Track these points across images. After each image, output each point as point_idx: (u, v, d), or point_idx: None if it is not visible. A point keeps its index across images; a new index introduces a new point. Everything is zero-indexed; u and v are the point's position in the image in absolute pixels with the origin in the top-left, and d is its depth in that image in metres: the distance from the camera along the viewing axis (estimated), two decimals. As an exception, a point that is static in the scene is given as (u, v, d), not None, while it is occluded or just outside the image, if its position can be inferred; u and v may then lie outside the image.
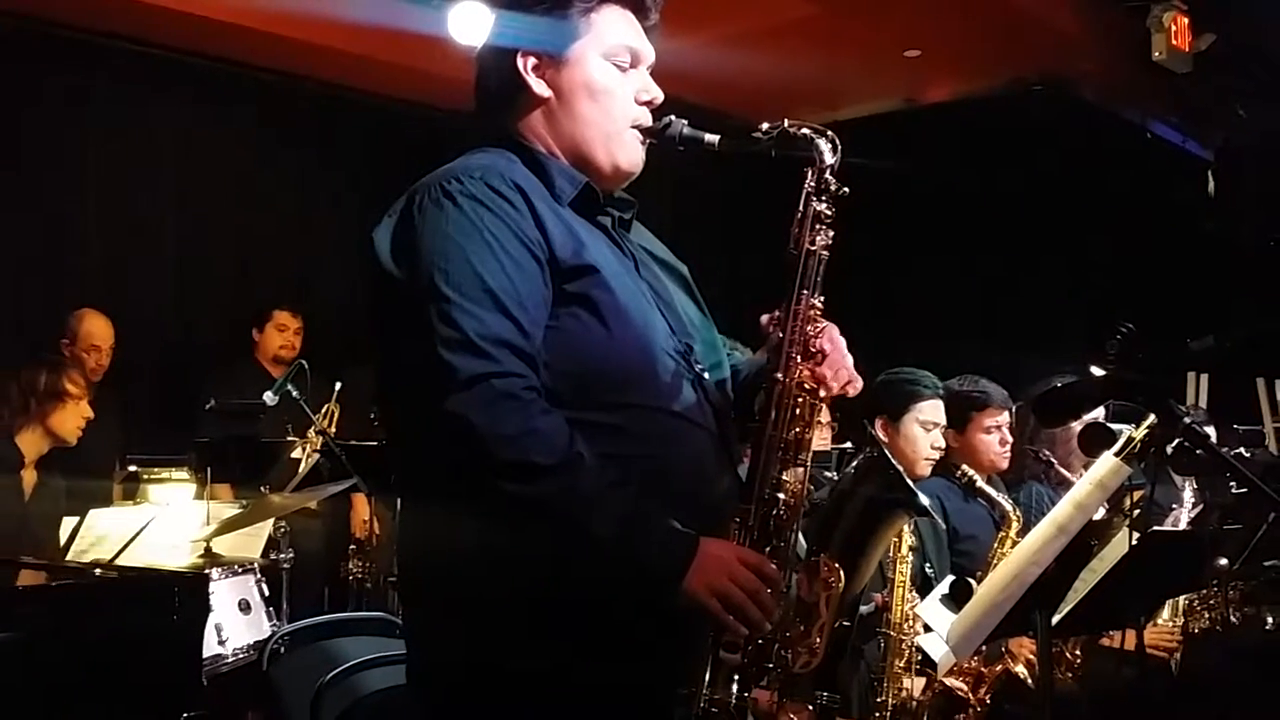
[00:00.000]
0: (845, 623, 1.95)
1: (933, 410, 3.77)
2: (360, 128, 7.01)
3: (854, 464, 2.12)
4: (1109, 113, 7.15)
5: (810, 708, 1.85)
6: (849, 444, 4.86)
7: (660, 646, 1.81)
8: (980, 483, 3.83)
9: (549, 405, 1.79)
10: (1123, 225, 6.89)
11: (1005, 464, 4.05)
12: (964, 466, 3.89)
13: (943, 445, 3.82)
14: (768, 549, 1.87)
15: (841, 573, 1.91)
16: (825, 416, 3.91)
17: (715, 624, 1.78)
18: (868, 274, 6.60)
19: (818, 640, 1.86)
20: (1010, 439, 4.04)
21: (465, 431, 1.73)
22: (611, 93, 2.03)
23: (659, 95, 2.08)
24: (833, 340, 1.96)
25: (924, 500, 2.10)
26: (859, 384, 2.00)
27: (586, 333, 1.88)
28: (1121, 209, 6.88)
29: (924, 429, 3.74)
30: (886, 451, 2.08)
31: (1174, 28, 6.09)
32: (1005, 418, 4.05)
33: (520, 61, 2.03)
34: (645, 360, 1.92)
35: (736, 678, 1.81)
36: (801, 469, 1.90)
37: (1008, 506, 3.78)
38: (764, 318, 2.00)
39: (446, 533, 1.84)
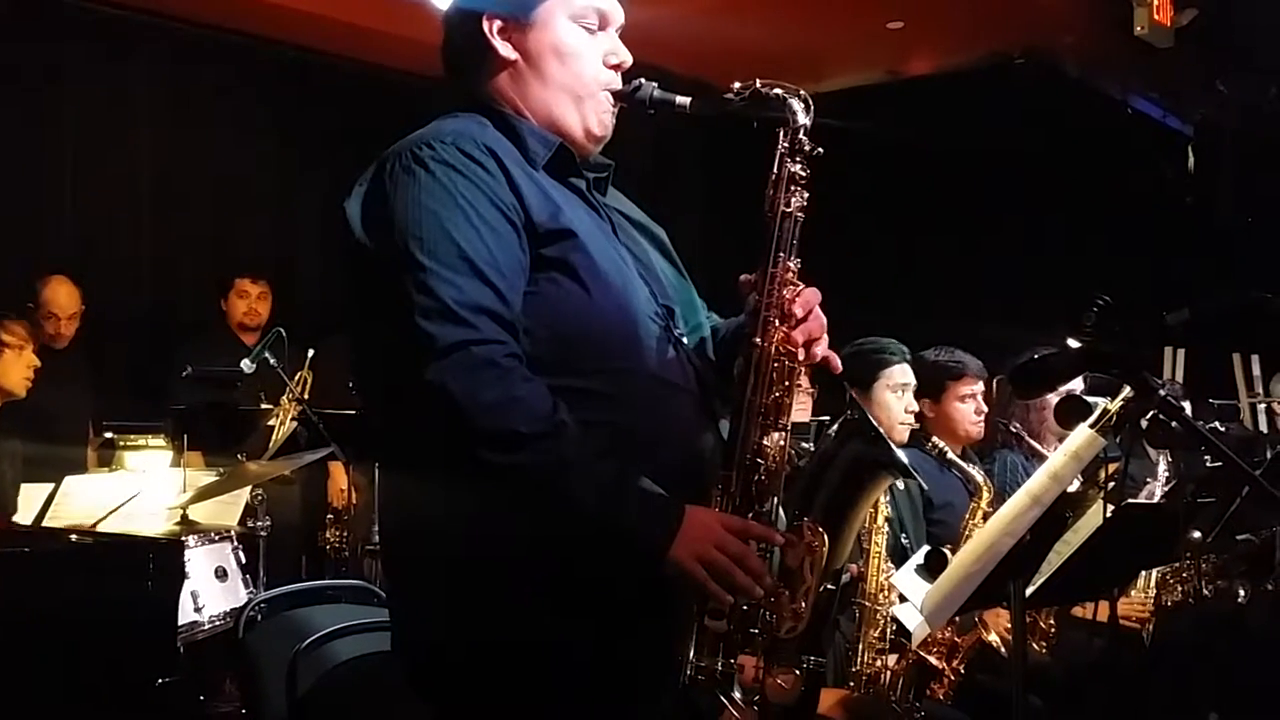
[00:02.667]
0: (829, 586, 1.95)
1: (902, 374, 3.79)
2: (338, 93, 6.95)
3: (834, 427, 2.11)
4: (1090, 87, 7.16)
5: (796, 672, 1.85)
6: (827, 416, 4.89)
7: (645, 615, 1.81)
8: (951, 454, 3.84)
9: (530, 372, 1.78)
10: (1102, 199, 6.90)
11: (980, 433, 4.07)
12: (934, 438, 3.91)
13: (916, 409, 3.83)
14: (750, 515, 1.86)
15: (825, 536, 1.90)
16: (805, 384, 3.92)
17: (700, 592, 1.77)
18: (846, 246, 6.61)
19: (802, 605, 1.86)
20: (985, 409, 4.07)
21: (446, 401, 1.71)
22: (579, 55, 2.01)
23: (628, 58, 2.06)
24: (807, 304, 1.94)
25: (904, 458, 2.09)
26: (837, 362, 1.99)
27: (566, 297, 1.86)
28: (1101, 183, 6.89)
29: (895, 394, 3.76)
30: (867, 413, 2.08)
31: (1156, 2, 6.08)
32: (980, 387, 4.07)
33: (485, 24, 2.01)
34: (626, 324, 1.90)
35: (722, 645, 1.81)
36: (781, 433, 1.89)
37: (979, 478, 3.79)
38: (742, 277, 1.99)
39: (428, 503, 1.82)
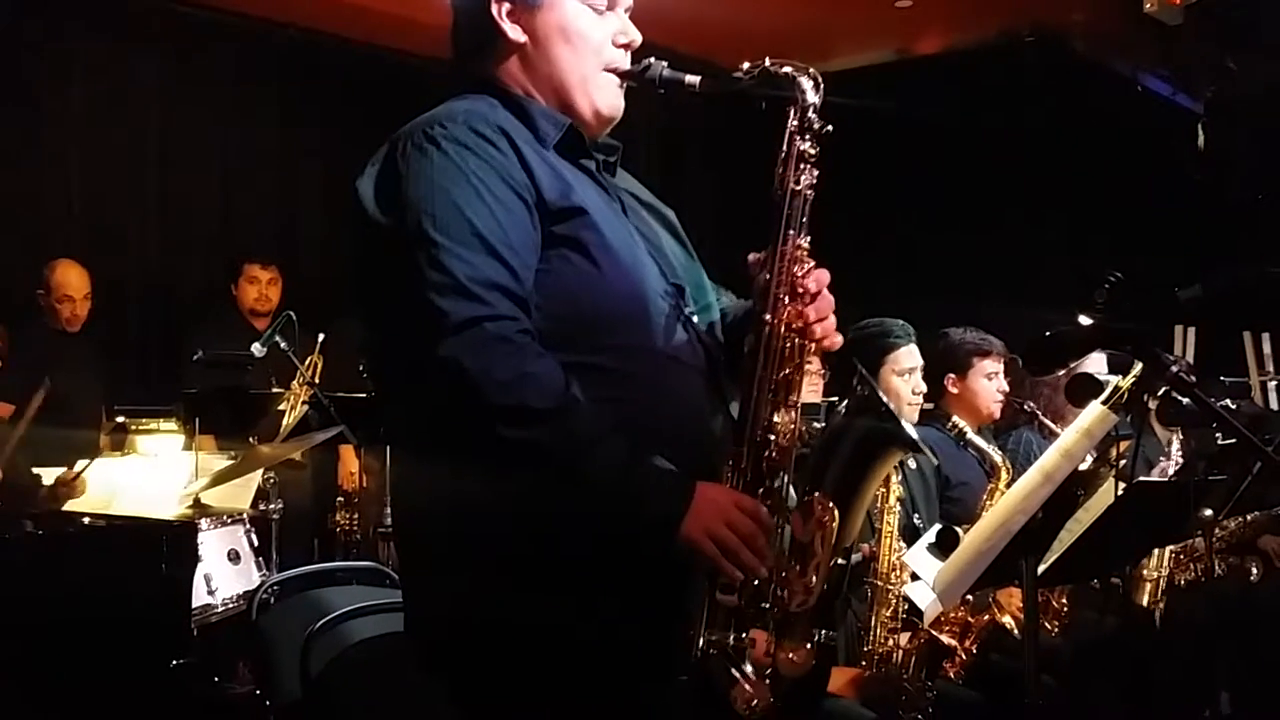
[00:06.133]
0: (840, 561, 1.95)
1: (908, 357, 3.77)
2: (344, 76, 6.94)
3: (845, 403, 2.11)
4: (1100, 65, 7.12)
5: (808, 646, 1.85)
6: (837, 397, 4.88)
7: (656, 591, 1.81)
8: (970, 434, 3.82)
9: (542, 349, 1.79)
10: (1112, 177, 6.87)
11: (999, 413, 4.09)
12: (955, 418, 3.90)
13: (924, 389, 3.82)
14: (760, 491, 1.86)
15: (835, 511, 1.90)
16: (816, 365, 3.91)
17: (711, 568, 1.78)
18: (858, 225, 6.59)
19: (814, 579, 1.86)
20: (1006, 388, 4.09)
21: (459, 376, 1.72)
22: (587, 36, 2.01)
23: (637, 38, 2.06)
24: (819, 282, 1.94)
25: (914, 433, 2.09)
26: (838, 339, 1.99)
27: (577, 274, 1.87)
28: (1111, 161, 6.86)
29: (902, 378, 3.74)
30: (876, 388, 2.07)
31: (1166, -20, 6.05)
32: (1002, 366, 4.09)
33: (494, 7, 2.00)
34: (637, 301, 1.91)
35: (734, 620, 1.82)
36: (792, 410, 1.89)
37: (998, 458, 3.77)
38: (751, 256, 1.99)
39: (441, 482, 1.83)
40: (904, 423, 2.05)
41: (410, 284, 1.77)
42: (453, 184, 1.81)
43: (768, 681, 1.82)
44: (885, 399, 2.05)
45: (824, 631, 1.90)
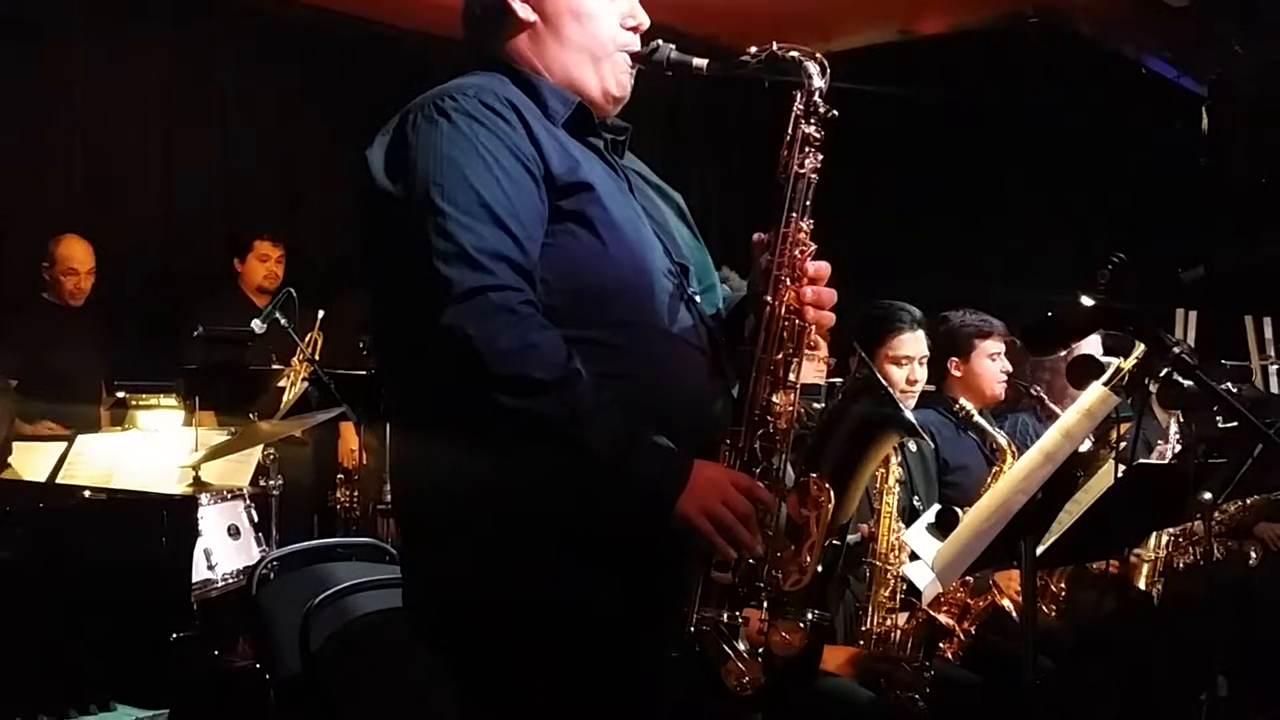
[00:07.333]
0: (835, 542, 1.96)
1: (907, 344, 3.70)
2: (346, 53, 6.91)
3: (843, 385, 2.12)
4: (1104, 46, 7.10)
5: (801, 625, 1.87)
6: (840, 379, 4.87)
7: (653, 567, 1.82)
8: (976, 416, 3.81)
9: (545, 321, 1.80)
10: (1115, 159, 6.86)
11: (1002, 394, 4.09)
12: (961, 399, 3.89)
13: (920, 378, 3.79)
14: (758, 471, 1.88)
15: (831, 492, 1.92)
16: (823, 351, 3.89)
17: (706, 545, 1.79)
18: (860, 207, 6.58)
19: (808, 559, 1.88)
20: (1009, 368, 4.08)
21: (462, 345, 1.74)
22: (596, 17, 2.03)
23: (645, 20, 2.08)
24: (819, 267, 1.96)
25: (912, 418, 2.10)
26: (830, 318, 1.99)
27: (583, 250, 1.88)
28: (1115, 143, 6.85)
29: (898, 365, 3.69)
30: (875, 371, 2.09)
31: (1171, -39, 6.03)
32: (1003, 347, 4.07)
33: None
34: (640, 278, 1.92)
35: (728, 598, 1.83)
36: (791, 392, 1.90)
37: (1003, 440, 3.76)
38: (755, 236, 2.00)
39: (441, 457, 1.84)
40: (902, 406, 2.06)
41: (416, 252, 1.79)
42: (462, 155, 1.83)
43: (760, 660, 1.84)
44: (884, 382, 2.06)
45: (817, 612, 1.92)
